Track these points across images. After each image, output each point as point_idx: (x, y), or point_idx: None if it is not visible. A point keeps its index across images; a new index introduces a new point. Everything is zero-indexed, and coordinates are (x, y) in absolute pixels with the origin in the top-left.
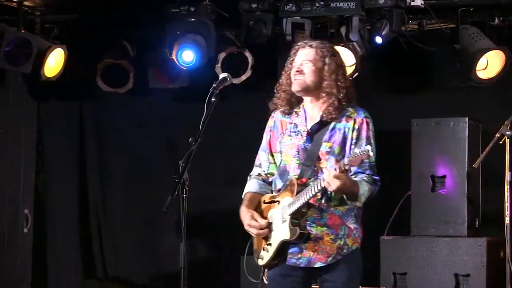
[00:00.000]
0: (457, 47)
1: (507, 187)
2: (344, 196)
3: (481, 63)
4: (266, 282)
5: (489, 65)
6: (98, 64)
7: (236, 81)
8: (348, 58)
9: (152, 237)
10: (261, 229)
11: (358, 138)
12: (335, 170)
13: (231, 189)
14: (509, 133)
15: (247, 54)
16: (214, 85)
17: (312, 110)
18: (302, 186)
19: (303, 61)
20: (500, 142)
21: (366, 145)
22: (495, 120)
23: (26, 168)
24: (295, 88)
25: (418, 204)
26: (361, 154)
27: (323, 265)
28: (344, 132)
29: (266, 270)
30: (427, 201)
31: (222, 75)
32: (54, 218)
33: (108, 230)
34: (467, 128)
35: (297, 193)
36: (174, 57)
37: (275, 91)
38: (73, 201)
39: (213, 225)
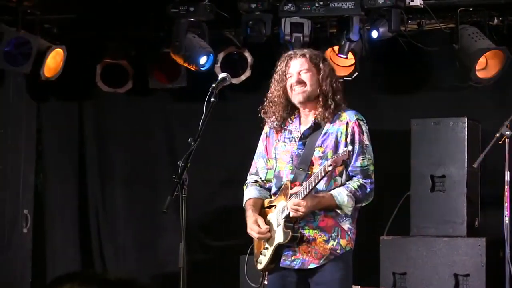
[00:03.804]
0: (456, 47)
1: (506, 187)
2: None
3: (480, 63)
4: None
5: (489, 65)
6: (98, 64)
7: (235, 81)
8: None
9: (152, 238)
10: (261, 233)
11: (352, 142)
12: (298, 197)
13: (230, 189)
14: (508, 133)
15: (247, 54)
16: (213, 85)
17: (307, 115)
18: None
19: (301, 71)
20: (499, 142)
21: (359, 148)
22: (494, 120)
23: (25, 168)
24: (298, 99)
25: (418, 204)
26: (342, 155)
27: (316, 266)
28: (337, 136)
29: (266, 274)
30: (427, 201)
31: (221, 75)
32: (54, 218)
33: (107, 231)
34: (466, 128)
35: (290, 197)
36: (190, 63)
37: (266, 104)
38: (72, 201)
39: (212, 225)
